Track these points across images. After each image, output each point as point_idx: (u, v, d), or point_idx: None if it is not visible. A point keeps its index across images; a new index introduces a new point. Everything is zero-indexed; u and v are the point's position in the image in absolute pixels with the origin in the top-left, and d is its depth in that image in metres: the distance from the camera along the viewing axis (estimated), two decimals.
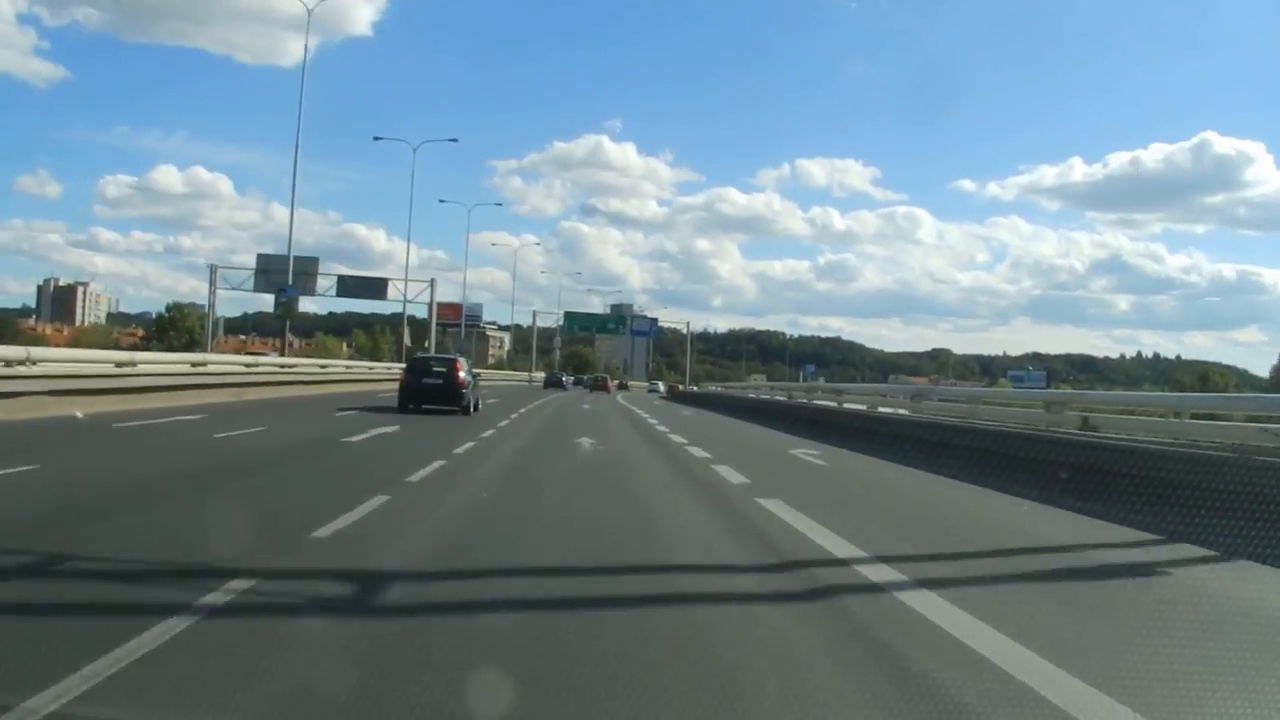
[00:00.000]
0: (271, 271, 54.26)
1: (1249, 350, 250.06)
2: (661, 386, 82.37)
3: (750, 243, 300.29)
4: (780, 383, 62.18)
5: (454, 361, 23.86)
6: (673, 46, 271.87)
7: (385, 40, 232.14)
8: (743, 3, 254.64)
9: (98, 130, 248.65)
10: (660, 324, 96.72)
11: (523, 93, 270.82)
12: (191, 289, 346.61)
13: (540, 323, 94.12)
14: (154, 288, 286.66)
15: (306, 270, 55.13)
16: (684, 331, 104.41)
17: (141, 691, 3.45)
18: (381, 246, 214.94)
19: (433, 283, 58.35)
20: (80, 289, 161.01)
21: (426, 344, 66.02)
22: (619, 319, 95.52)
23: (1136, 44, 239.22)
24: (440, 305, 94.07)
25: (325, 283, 56.71)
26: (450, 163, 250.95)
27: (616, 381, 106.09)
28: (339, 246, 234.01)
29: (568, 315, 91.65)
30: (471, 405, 23.57)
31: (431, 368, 23.54)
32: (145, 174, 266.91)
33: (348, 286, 57.41)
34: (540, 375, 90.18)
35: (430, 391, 22.70)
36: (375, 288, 57.11)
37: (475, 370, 28.66)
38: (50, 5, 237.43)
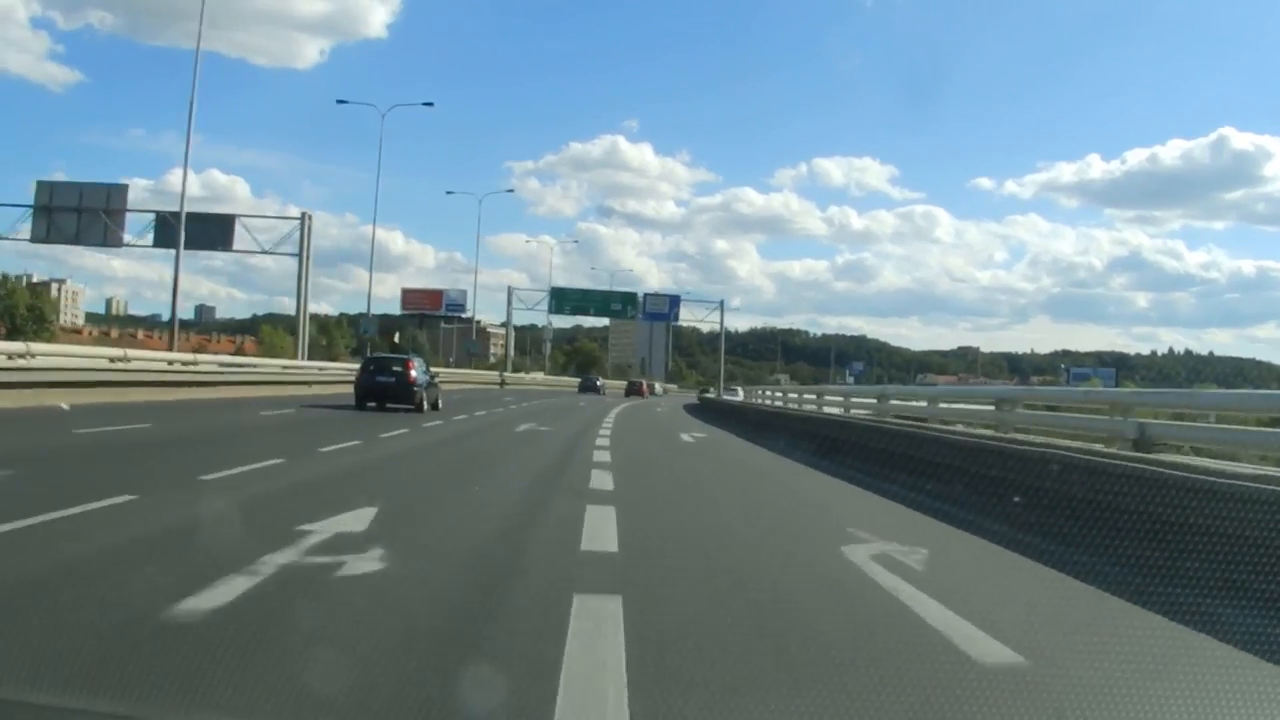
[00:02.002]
0: (59, 209, 31.96)
1: (1269, 346, 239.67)
2: (741, 392, 55.83)
3: (768, 243, 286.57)
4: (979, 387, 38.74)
5: (407, 361, 23.83)
6: (688, 47, 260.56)
7: (400, 42, 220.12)
8: (757, 2, 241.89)
9: (113, 134, 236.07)
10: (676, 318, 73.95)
11: (538, 93, 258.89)
12: (210, 291, 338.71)
13: (539, 313, 71.50)
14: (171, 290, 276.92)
15: (108, 205, 32.65)
16: (703, 330, 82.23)
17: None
18: (399, 248, 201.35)
19: (304, 220, 35.21)
20: (55, 286, 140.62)
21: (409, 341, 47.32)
22: (626, 297, 67.78)
23: (1154, 40, 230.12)
24: (413, 293, 72.30)
25: (141, 223, 33.93)
26: (465, 165, 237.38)
27: (700, 388, 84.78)
28: (356, 249, 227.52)
29: (556, 293, 66.70)
30: (426, 403, 22.96)
31: (384, 366, 23.58)
32: (162, 177, 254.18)
33: (173, 232, 34.48)
34: (526, 376, 67.98)
35: (383, 389, 22.55)
36: (215, 232, 34.09)
37: (433, 370, 27.18)
38: (64, 9, 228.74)
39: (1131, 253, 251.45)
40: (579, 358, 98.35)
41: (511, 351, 69.61)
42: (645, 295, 68.63)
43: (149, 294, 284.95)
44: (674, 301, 68.96)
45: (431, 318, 71.14)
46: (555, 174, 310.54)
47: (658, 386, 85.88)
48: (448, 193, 77.93)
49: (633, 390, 65.93)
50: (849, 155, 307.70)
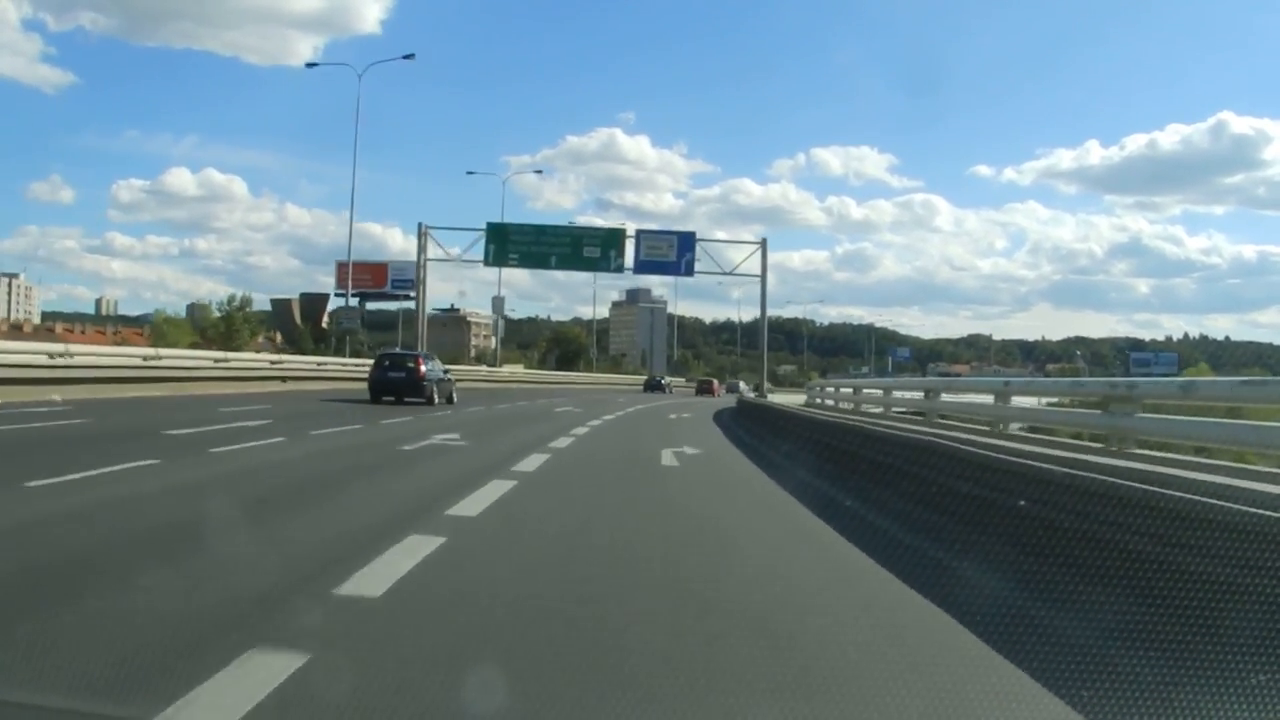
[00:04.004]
0: None
1: (1271, 332, 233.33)
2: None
3: (767, 233, 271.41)
4: None
5: (417, 358, 24.96)
6: (683, 39, 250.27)
7: (394, 38, 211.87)
8: None
9: (109, 135, 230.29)
10: (681, 314, 59.34)
11: (532, 87, 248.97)
12: (209, 290, 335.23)
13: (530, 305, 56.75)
14: (171, 291, 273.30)
15: None
16: (706, 321, 68.66)
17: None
18: (398, 245, 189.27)
19: None
20: (8, 281, 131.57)
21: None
22: (607, 237, 44.78)
23: (1152, 24, 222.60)
24: (355, 265, 60.51)
25: None
26: (460, 160, 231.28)
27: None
28: (355, 246, 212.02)
29: (495, 232, 43.56)
30: (438, 397, 23.87)
31: (397, 363, 24.65)
32: (158, 178, 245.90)
33: None
34: (490, 369, 56.45)
35: (395, 384, 23.57)
36: None
37: (446, 367, 28.33)
38: (55, 11, 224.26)
39: (1132, 239, 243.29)
40: (562, 345, 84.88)
41: (424, 330, 47.85)
42: (639, 234, 45.11)
43: (148, 295, 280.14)
44: (685, 244, 44.26)
45: (375, 296, 59.22)
46: (552, 167, 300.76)
47: (742, 385, 63.08)
48: (308, 64, 58.80)
49: (703, 390, 60.10)
50: (847, 145, 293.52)
